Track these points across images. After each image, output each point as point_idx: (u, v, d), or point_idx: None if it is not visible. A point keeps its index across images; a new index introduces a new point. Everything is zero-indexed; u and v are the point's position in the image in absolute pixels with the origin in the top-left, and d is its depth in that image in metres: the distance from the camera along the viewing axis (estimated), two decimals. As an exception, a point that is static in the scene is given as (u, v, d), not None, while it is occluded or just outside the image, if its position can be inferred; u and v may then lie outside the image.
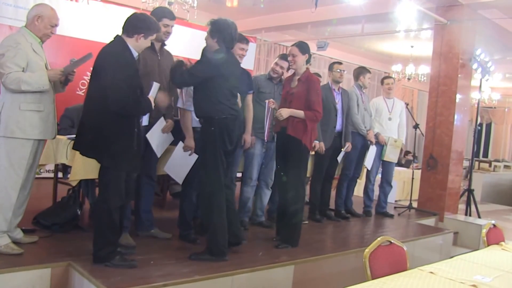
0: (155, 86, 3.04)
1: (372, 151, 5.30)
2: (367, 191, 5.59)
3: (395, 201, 7.14)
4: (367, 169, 5.43)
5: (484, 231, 3.10)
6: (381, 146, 5.40)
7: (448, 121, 6.05)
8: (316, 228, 4.64)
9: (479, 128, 10.85)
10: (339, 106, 4.86)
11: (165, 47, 3.65)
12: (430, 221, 5.82)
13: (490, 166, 11.78)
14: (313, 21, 7.60)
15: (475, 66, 6.17)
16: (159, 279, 2.78)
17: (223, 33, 3.26)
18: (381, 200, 5.68)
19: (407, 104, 5.99)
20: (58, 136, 3.35)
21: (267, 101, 4.01)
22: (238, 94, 3.54)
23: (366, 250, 2.30)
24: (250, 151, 4.20)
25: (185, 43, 6.05)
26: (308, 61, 3.87)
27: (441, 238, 5.01)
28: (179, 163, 3.60)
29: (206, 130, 3.26)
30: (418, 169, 7.11)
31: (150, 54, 3.45)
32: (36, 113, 2.96)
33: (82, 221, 3.82)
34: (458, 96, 6.03)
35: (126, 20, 2.93)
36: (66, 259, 2.94)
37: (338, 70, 4.87)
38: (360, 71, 5.31)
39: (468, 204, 6.44)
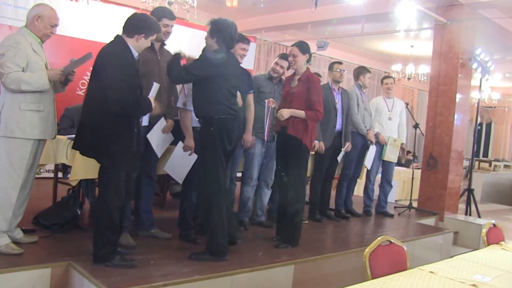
0: (155, 86, 3.05)
1: (372, 150, 5.30)
2: (367, 190, 5.59)
3: (395, 200, 7.14)
4: (367, 169, 5.43)
5: (484, 230, 3.10)
6: (381, 146, 5.40)
7: (448, 121, 6.05)
8: (316, 228, 4.64)
9: (479, 127, 10.86)
10: (339, 106, 4.86)
11: (165, 47, 3.65)
12: (430, 221, 5.82)
13: (490, 165, 11.78)
14: (313, 21, 7.60)
15: (475, 65, 6.17)
16: (159, 279, 2.78)
17: (222, 33, 3.25)
18: (381, 199, 5.68)
19: (407, 104, 5.99)
20: (58, 136, 3.35)
21: (266, 100, 4.01)
22: (239, 93, 3.54)
23: (366, 249, 2.31)
24: (250, 151, 4.19)
25: (185, 43, 6.04)
26: (308, 61, 3.87)
27: (441, 237, 5.01)
28: (179, 163, 3.60)
29: (205, 130, 3.26)
30: (418, 168, 7.11)
31: (150, 54, 3.44)
32: (36, 113, 2.96)
33: (82, 221, 3.82)
34: (458, 96, 6.03)
35: (127, 20, 2.93)
36: (66, 259, 2.94)
37: (338, 70, 4.86)
38: (360, 71, 5.31)
39: (468, 203, 6.44)
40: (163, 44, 3.59)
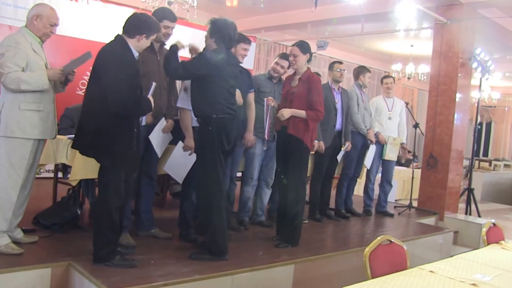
0: (154, 86, 3.04)
1: (372, 150, 5.30)
2: (367, 190, 5.59)
3: (395, 200, 7.15)
4: (367, 169, 5.43)
5: (484, 230, 3.10)
6: (381, 145, 5.40)
7: (448, 120, 6.05)
8: (316, 228, 4.64)
9: (479, 127, 10.85)
10: (338, 106, 4.86)
11: (165, 47, 3.64)
12: (430, 220, 5.82)
13: (490, 165, 11.77)
14: (313, 20, 7.60)
15: (475, 65, 6.17)
16: (159, 278, 2.78)
17: (221, 33, 3.25)
18: (381, 199, 5.68)
19: (407, 103, 5.99)
20: (58, 136, 3.35)
21: (265, 99, 4.01)
22: (239, 91, 3.55)
23: (366, 249, 2.30)
24: (251, 151, 4.19)
25: (185, 43, 6.04)
26: (309, 61, 3.87)
27: (441, 237, 5.01)
28: (179, 163, 3.60)
29: (203, 129, 3.26)
30: (418, 168, 7.11)
31: (150, 54, 3.44)
32: (36, 112, 2.96)
33: (82, 221, 3.82)
34: (458, 95, 6.03)
35: (127, 20, 2.92)
36: (66, 259, 2.94)
37: (339, 70, 4.87)
38: (360, 71, 5.31)
39: (468, 203, 6.45)
40: (163, 44, 3.59)
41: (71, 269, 2.88)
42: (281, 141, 3.87)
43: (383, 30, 7.83)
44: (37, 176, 3.28)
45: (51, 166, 4.72)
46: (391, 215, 5.58)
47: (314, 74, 3.99)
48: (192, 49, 3.37)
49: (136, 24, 2.90)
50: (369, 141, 5.23)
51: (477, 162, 11.54)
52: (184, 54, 3.41)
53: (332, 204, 5.24)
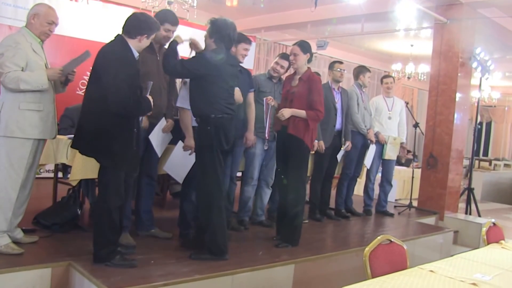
0: (150, 85, 3.04)
1: (371, 150, 5.30)
2: (367, 190, 5.59)
3: (395, 200, 7.15)
4: (367, 168, 5.43)
5: (484, 229, 3.10)
6: (381, 145, 5.40)
7: (448, 120, 6.05)
8: (317, 227, 4.64)
9: (479, 127, 10.85)
10: (338, 105, 4.86)
11: (165, 47, 3.63)
12: (430, 220, 5.82)
13: (490, 164, 11.77)
14: (313, 20, 7.60)
15: (475, 65, 6.17)
16: (160, 278, 2.78)
17: (221, 33, 3.25)
18: (381, 199, 5.68)
19: (407, 103, 5.99)
20: (58, 136, 3.35)
21: (265, 98, 4.01)
22: (238, 90, 3.54)
23: (366, 249, 2.30)
24: (251, 151, 4.19)
25: (185, 43, 6.04)
26: (309, 61, 3.87)
27: (441, 237, 5.01)
28: (179, 163, 3.60)
29: (202, 129, 3.25)
30: (418, 168, 7.11)
31: (149, 55, 3.44)
32: (35, 112, 2.96)
33: (82, 221, 3.82)
34: (458, 95, 6.03)
35: (127, 20, 2.92)
36: (66, 259, 2.94)
37: (339, 70, 4.86)
38: (360, 70, 5.31)
39: (468, 203, 6.45)
40: (162, 45, 3.58)
41: (71, 269, 2.88)
42: (281, 141, 3.87)
43: (383, 30, 7.83)
44: (37, 176, 3.28)
45: (51, 166, 4.72)
46: (391, 215, 5.58)
47: (315, 74, 3.99)
48: (192, 44, 3.36)
49: (137, 25, 2.90)
50: (369, 141, 5.23)
51: (477, 161, 11.55)
52: (184, 53, 3.41)
53: (332, 204, 5.24)
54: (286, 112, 3.71)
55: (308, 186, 4.87)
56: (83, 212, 3.88)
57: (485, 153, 15.11)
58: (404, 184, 8.06)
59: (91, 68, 2.90)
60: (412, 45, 9.30)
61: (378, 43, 9.81)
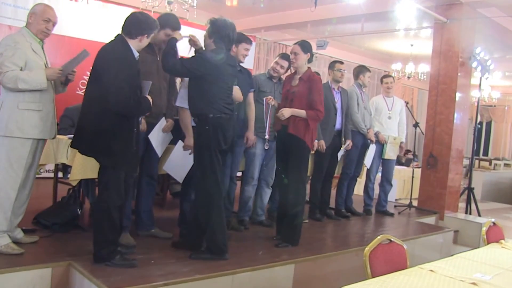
0: (148, 84, 3.03)
1: (371, 150, 5.31)
2: (367, 189, 5.59)
3: (395, 199, 7.15)
4: (367, 168, 5.44)
5: (484, 229, 3.10)
6: (381, 145, 5.40)
7: (448, 120, 6.05)
8: (317, 227, 4.64)
9: (479, 126, 10.84)
10: (338, 105, 4.86)
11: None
12: (430, 220, 5.83)
13: (490, 164, 11.77)
14: (313, 20, 7.60)
15: (474, 64, 6.17)
16: (160, 278, 2.78)
17: (221, 33, 3.25)
18: (381, 198, 5.68)
19: (407, 103, 5.99)
20: (58, 136, 3.35)
21: (265, 98, 4.01)
22: (238, 88, 3.54)
23: (366, 248, 2.31)
24: (251, 151, 4.19)
25: (184, 43, 6.04)
26: (310, 61, 3.87)
27: (441, 236, 5.01)
28: (179, 162, 3.61)
29: (200, 129, 3.25)
30: (418, 167, 7.11)
31: (149, 55, 3.43)
32: (35, 112, 2.96)
33: (83, 221, 3.82)
34: (458, 95, 6.03)
35: (126, 20, 2.92)
36: (66, 258, 2.94)
37: (339, 70, 4.87)
38: (360, 70, 5.31)
39: (468, 202, 6.45)
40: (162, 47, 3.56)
41: (71, 269, 2.88)
42: (281, 141, 3.87)
43: (383, 29, 7.83)
44: (37, 176, 3.27)
45: (51, 166, 4.72)
46: (391, 215, 5.58)
47: (315, 73, 3.99)
48: (192, 41, 3.35)
49: (137, 25, 2.90)
50: (369, 141, 5.23)
51: (477, 161, 11.55)
52: (183, 51, 3.41)
53: (332, 204, 5.24)
54: (286, 112, 3.71)
55: (308, 186, 4.88)
56: (83, 212, 3.88)
57: (485, 153, 15.11)
58: (404, 183, 8.06)
59: (91, 68, 2.90)
60: (412, 45, 9.31)
61: (378, 43, 9.81)
